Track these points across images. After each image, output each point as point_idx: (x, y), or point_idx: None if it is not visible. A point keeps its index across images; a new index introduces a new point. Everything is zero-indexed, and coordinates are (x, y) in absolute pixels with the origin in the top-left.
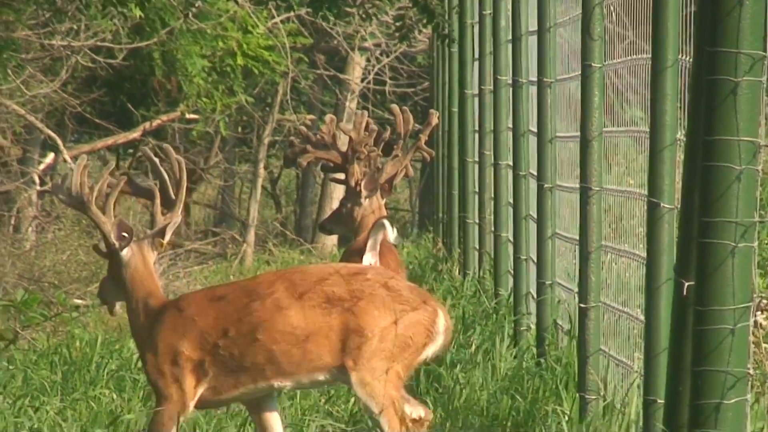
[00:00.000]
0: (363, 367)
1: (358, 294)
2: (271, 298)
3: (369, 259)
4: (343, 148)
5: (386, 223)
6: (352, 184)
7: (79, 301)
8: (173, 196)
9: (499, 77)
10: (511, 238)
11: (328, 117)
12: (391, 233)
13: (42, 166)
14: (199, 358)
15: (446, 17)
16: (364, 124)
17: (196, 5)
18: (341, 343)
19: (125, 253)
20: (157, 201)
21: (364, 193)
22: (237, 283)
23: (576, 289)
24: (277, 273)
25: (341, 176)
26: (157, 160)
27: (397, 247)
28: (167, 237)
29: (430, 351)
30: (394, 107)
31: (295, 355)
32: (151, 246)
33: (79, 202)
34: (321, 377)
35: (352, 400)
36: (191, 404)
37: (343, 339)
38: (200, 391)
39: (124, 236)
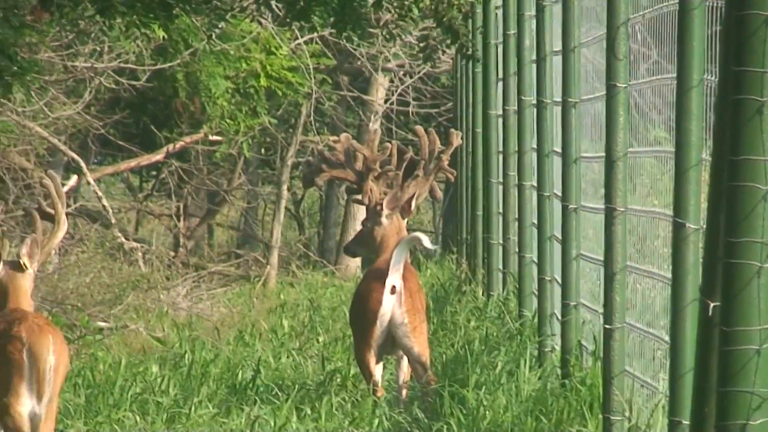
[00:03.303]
0: None
1: None
2: None
3: (393, 280)
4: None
5: (421, 235)
6: (367, 201)
7: (102, 324)
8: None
9: (523, 97)
10: (536, 259)
11: (343, 136)
12: (427, 241)
13: (65, 188)
14: None
15: (470, 37)
16: (377, 142)
17: (220, 26)
18: None
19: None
20: (39, 232)
21: (385, 211)
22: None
23: (601, 310)
24: None
25: None
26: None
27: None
28: (32, 263)
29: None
30: (419, 128)
31: None
32: (10, 268)
33: None
34: None
35: (377, 421)
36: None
37: None
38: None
39: None
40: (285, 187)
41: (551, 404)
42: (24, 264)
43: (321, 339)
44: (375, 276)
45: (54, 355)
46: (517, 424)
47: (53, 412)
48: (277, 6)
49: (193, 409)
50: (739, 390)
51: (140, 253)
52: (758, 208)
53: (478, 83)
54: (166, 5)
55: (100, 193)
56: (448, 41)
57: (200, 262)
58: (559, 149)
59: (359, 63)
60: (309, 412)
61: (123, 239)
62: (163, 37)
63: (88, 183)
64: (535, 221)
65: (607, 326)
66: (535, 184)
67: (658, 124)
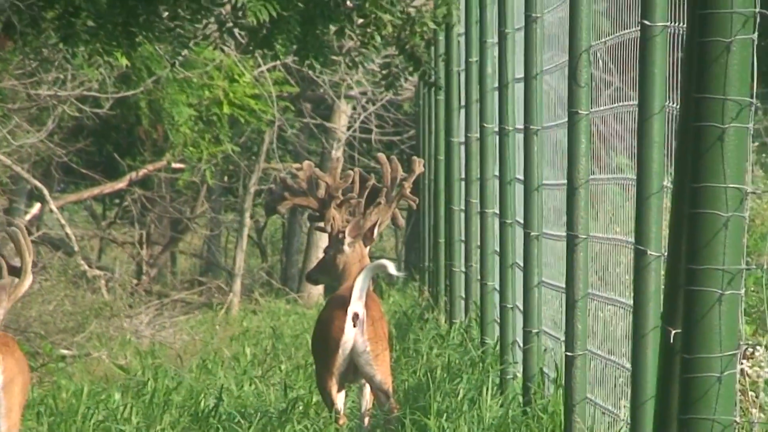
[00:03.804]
0: None
1: None
2: None
3: (355, 308)
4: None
5: (386, 262)
6: (329, 229)
7: (65, 352)
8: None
9: (485, 125)
10: (498, 287)
11: (306, 163)
12: (392, 268)
13: (28, 216)
14: None
15: (432, 65)
16: (339, 169)
17: (183, 54)
18: None
19: None
20: (4, 271)
21: (347, 239)
22: None
23: (562, 338)
24: None
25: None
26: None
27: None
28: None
29: None
30: (381, 156)
31: None
32: None
33: None
34: None
35: None
36: None
37: None
38: None
39: None
40: (248, 214)
41: None
42: None
43: (283, 366)
44: (337, 304)
45: (3, 375)
46: None
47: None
48: (240, 34)
49: None
50: (700, 417)
51: (103, 281)
52: (719, 236)
53: (440, 110)
54: (129, 33)
55: (63, 221)
56: (411, 69)
57: (163, 289)
58: (521, 176)
59: (322, 90)
60: None
61: (86, 267)
62: (126, 65)
63: (51, 211)
64: (497, 248)
65: (568, 353)
66: (497, 211)
67: (621, 151)
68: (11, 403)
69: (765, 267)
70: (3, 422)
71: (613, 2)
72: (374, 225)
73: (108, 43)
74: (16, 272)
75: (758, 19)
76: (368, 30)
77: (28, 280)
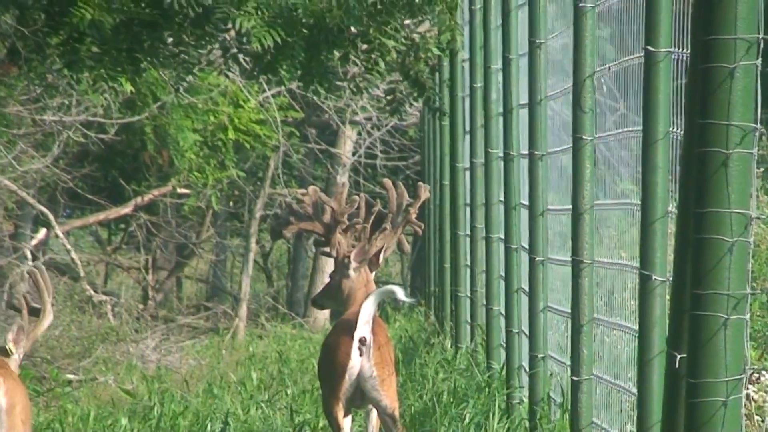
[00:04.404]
0: None
1: None
2: None
3: (362, 333)
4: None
5: (395, 287)
6: (334, 254)
7: (71, 376)
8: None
9: (490, 150)
10: (503, 312)
11: (311, 188)
12: (401, 294)
13: (34, 242)
14: None
15: (437, 90)
16: (344, 195)
17: (188, 80)
18: None
19: None
20: (24, 312)
21: (352, 264)
22: None
23: (568, 362)
24: None
25: None
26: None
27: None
28: (18, 349)
29: None
30: (387, 181)
31: None
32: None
33: None
34: None
35: None
36: None
37: None
38: None
39: None
40: (253, 239)
41: None
42: (9, 349)
43: (290, 391)
44: (344, 328)
45: (5, 397)
46: None
47: None
48: (244, 59)
49: None
50: None
51: (109, 306)
52: (724, 261)
53: (445, 136)
54: (133, 59)
55: (68, 246)
56: (415, 94)
57: (169, 314)
58: (526, 202)
59: (327, 116)
60: None
61: (92, 292)
62: (131, 90)
63: (57, 236)
64: (503, 273)
65: (574, 378)
66: (502, 236)
67: (625, 177)
68: (14, 422)
69: None
70: None
71: (617, 28)
72: (380, 250)
73: (113, 68)
74: (35, 312)
75: (762, 45)
76: (372, 56)
77: (48, 320)
